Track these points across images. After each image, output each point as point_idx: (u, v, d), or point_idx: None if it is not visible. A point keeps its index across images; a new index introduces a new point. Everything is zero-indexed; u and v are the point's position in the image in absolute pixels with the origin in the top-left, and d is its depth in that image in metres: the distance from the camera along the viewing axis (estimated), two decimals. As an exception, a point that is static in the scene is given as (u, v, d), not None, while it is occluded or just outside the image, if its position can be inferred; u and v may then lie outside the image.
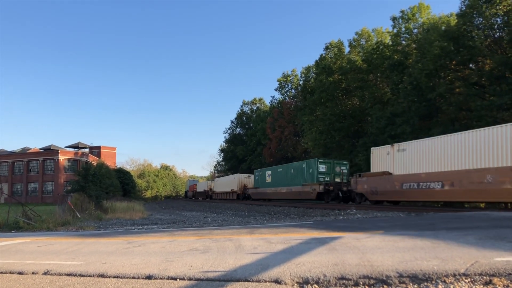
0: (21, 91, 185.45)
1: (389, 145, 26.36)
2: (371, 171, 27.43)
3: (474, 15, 30.29)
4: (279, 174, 42.41)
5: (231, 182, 57.83)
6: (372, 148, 28.44)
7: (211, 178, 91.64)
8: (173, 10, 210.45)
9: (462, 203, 23.88)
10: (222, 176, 79.77)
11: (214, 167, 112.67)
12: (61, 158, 73.69)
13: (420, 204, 26.01)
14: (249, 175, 56.87)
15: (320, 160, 35.61)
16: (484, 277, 4.89)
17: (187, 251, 7.81)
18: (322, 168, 35.12)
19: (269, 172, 45.12)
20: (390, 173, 25.07)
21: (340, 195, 31.87)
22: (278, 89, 76.73)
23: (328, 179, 34.52)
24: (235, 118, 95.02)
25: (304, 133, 54.91)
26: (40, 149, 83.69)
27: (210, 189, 70.56)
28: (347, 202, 30.69)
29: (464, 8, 31.22)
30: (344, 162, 36.35)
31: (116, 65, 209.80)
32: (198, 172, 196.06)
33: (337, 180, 34.34)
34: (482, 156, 19.52)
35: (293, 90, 74.09)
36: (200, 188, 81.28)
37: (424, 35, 35.63)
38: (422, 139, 23.99)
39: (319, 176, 34.76)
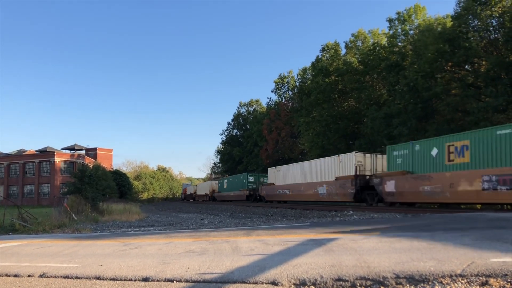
0: (17, 93, 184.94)
1: (275, 167, 43.14)
2: (268, 182, 44.62)
3: (470, 17, 30.42)
4: (230, 182, 59.70)
5: (207, 187, 74.50)
6: (269, 168, 44.94)
7: (195, 184, 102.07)
8: (170, 11, 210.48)
9: (297, 202, 36.68)
10: (205, 181, 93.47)
11: (211, 168, 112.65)
12: (57, 160, 73.48)
13: (417, 205, 26.09)
14: (217, 181, 71.97)
15: (249, 174, 53.15)
16: (481, 278, 4.90)
17: (184, 253, 7.79)
18: (251, 179, 51.56)
19: (225, 180, 63.22)
20: (274, 184, 41.82)
21: (258, 197, 47.64)
22: (275, 90, 76.80)
23: (254, 186, 50.31)
24: (232, 120, 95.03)
25: (300, 135, 54.94)
26: (36, 151, 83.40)
27: (195, 192, 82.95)
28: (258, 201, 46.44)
29: (459, 11, 31.35)
30: (266, 175, 47.60)
31: (112, 66, 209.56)
32: (195, 174, 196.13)
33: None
34: (313, 175, 33.45)
35: (289, 92, 74.18)
36: (188, 191, 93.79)
37: (419, 36, 35.74)
38: (288, 165, 41.77)
39: (248, 184, 51.13)
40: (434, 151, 21.42)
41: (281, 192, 39.55)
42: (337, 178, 29.45)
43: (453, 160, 20.09)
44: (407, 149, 23.37)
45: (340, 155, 30.53)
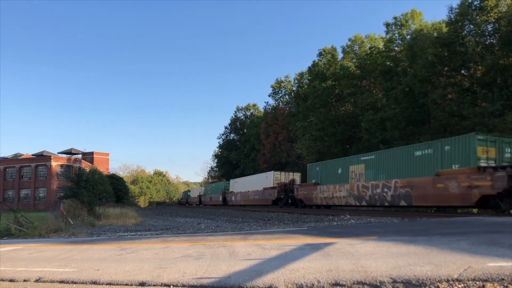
0: (14, 97, 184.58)
1: (234, 179, 54.34)
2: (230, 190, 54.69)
3: (466, 22, 30.58)
4: (212, 188, 66.02)
5: (196, 191, 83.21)
6: (230, 180, 56.11)
7: (191, 188, 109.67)
8: (167, 16, 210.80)
9: (245, 205, 45.21)
10: (196, 187, 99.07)
11: (208, 172, 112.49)
12: (54, 164, 73.25)
13: (413, 210, 26.29)
14: (202, 187, 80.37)
15: (226, 181, 60.26)
16: (477, 282, 4.90)
17: (181, 258, 7.77)
18: (228, 186, 57.91)
19: (209, 187, 69.64)
20: (232, 191, 51.78)
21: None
22: (272, 95, 76.90)
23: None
24: (229, 124, 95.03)
25: (297, 139, 54.98)
26: (33, 155, 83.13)
27: (200, 195, 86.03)
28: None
29: (453, 17, 31.52)
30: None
31: (109, 71, 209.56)
32: (191, 178, 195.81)
33: None
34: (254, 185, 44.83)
35: (286, 96, 74.28)
36: (180, 197, 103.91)
37: (411, 41, 35.90)
38: (241, 177, 53.23)
39: (225, 190, 57.82)
40: (339, 170, 29.22)
41: (235, 198, 51.38)
42: (264, 188, 42.15)
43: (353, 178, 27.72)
44: (318, 167, 32.25)
45: (266, 172, 45.07)
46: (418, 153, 22.62)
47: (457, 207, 22.37)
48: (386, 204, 24.64)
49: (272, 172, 42.14)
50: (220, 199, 58.87)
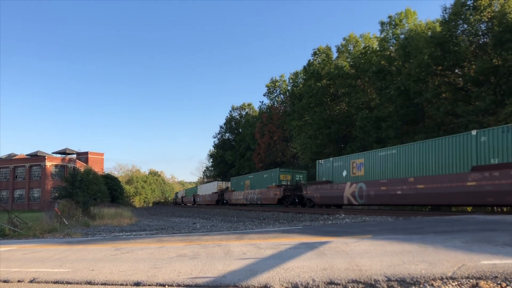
0: (7, 97, 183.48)
1: (235, 177, 53.64)
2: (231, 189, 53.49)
3: (459, 22, 30.72)
4: (206, 187, 66.93)
5: (191, 191, 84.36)
6: (231, 178, 55.61)
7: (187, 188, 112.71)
8: (163, 15, 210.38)
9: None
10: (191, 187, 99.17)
11: (203, 172, 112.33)
12: (48, 164, 72.93)
13: (408, 208, 26.39)
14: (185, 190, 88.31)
15: (218, 181, 61.07)
16: (471, 280, 4.94)
17: (176, 257, 7.77)
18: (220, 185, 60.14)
19: (202, 186, 72.44)
20: (234, 190, 50.06)
21: (224, 201, 54.44)
22: (267, 94, 76.90)
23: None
24: (224, 123, 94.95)
25: (293, 138, 55.00)
26: (27, 155, 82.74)
27: (182, 197, 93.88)
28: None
29: (447, 16, 31.66)
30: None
31: (103, 71, 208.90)
32: (187, 178, 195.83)
33: None
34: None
35: (281, 96, 74.32)
36: (179, 195, 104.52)
37: (404, 41, 36.03)
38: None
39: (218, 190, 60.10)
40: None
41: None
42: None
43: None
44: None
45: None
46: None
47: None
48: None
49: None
50: (217, 197, 58.76)
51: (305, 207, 32.80)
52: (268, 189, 39.91)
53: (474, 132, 19.32)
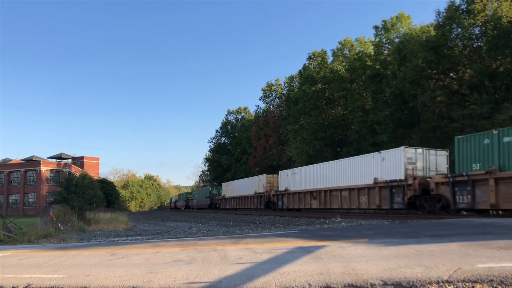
0: (1, 101, 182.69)
1: (226, 183, 55.82)
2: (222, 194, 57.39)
3: (453, 26, 30.90)
4: (200, 192, 72.54)
5: (184, 196, 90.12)
6: (223, 183, 56.91)
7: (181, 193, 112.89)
8: (157, 19, 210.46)
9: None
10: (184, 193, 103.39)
11: (199, 176, 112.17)
12: (43, 169, 72.53)
13: (403, 212, 26.36)
14: (191, 192, 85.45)
15: (211, 187, 64.72)
16: (467, 284, 4.95)
17: (172, 262, 7.74)
18: (214, 191, 63.68)
19: (197, 191, 74.22)
20: (225, 195, 53.72)
21: (216, 205, 60.11)
22: (263, 98, 76.95)
23: (215, 196, 62.09)
24: (220, 127, 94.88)
25: (288, 142, 55.03)
26: (22, 160, 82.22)
27: (176, 201, 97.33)
28: None
29: (441, 21, 31.84)
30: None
31: (98, 75, 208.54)
32: (183, 182, 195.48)
33: None
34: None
35: (277, 99, 74.41)
36: (173, 200, 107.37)
37: (399, 45, 36.18)
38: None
39: (212, 194, 63.71)
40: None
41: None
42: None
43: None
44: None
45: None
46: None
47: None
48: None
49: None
50: (209, 201, 63.95)
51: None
52: (205, 199, 46.48)
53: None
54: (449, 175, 20.24)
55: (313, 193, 31.72)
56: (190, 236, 15.02)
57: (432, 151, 23.87)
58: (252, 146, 70.09)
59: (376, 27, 42.43)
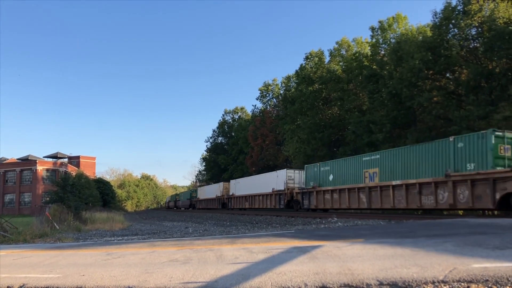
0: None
1: (201, 186, 63.66)
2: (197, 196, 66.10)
3: (450, 26, 30.98)
4: (185, 194, 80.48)
5: (171, 197, 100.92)
6: (198, 188, 59.61)
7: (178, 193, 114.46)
8: (152, 19, 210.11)
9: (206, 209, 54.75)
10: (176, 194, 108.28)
11: (196, 176, 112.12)
12: (39, 168, 72.33)
13: (400, 212, 26.29)
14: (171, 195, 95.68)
15: (192, 190, 72.03)
16: (462, 284, 4.96)
17: (168, 262, 7.72)
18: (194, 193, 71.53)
19: (183, 193, 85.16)
20: (199, 198, 58.98)
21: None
22: (260, 98, 76.95)
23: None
24: (217, 127, 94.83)
25: (285, 142, 55.06)
26: (18, 159, 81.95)
27: (168, 201, 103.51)
28: None
29: (437, 21, 31.92)
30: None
31: (94, 74, 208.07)
32: (179, 182, 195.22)
33: None
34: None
35: (274, 99, 74.42)
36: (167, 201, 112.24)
37: (396, 45, 36.24)
38: (207, 186, 63.59)
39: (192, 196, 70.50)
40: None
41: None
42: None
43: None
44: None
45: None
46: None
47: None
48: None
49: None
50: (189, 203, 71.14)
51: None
52: (187, 200, 43.92)
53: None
54: (300, 187, 33.62)
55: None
56: (186, 236, 15.01)
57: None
58: (249, 146, 70.07)
59: (372, 28, 42.53)
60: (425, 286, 4.96)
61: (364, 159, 26.86)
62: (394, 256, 6.68)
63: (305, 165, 34.81)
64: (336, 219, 19.90)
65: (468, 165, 18.78)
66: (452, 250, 6.97)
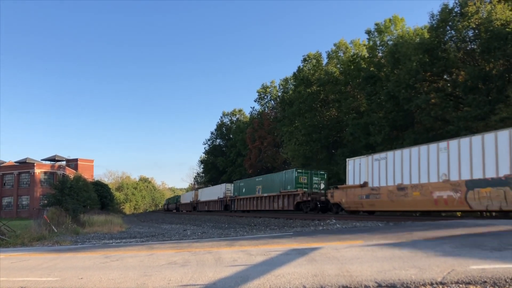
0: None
1: (198, 189, 58.61)
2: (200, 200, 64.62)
3: (447, 28, 31.07)
4: (183, 197, 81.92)
5: (173, 200, 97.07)
6: (189, 192, 69.08)
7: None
8: (150, 20, 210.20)
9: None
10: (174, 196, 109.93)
11: (194, 178, 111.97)
12: (37, 171, 72.17)
13: (398, 214, 26.23)
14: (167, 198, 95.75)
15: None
16: (461, 285, 4.97)
17: (166, 265, 7.72)
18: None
19: (181, 196, 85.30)
20: (200, 200, 61.68)
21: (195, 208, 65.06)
22: (258, 100, 76.95)
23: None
24: (215, 129, 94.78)
25: (283, 144, 55.08)
26: (15, 162, 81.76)
27: (168, 204, 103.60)
28: None
29: (435, 23, 32.01)
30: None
31: (92, 76, 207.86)
32: (177, 184, 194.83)
33: None
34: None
35: (272, 101, 74.46)
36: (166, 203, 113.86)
37: (393, 48, 36.32)
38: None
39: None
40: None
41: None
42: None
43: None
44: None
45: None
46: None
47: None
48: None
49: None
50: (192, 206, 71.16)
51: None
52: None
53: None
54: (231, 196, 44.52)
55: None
56: (184, 239, 14.99)
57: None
58: (247, 148, 70.04)
59: (368, 31, 42.66)
60: (424, 288, 4.97)
61: (256, 179, 42.94)
62: (393, 258, 6.69)
63: (234, 181, 48.89)
64: (334, 220, 19.88)
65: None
66: (450, 251, 6.98)
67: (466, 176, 18.21)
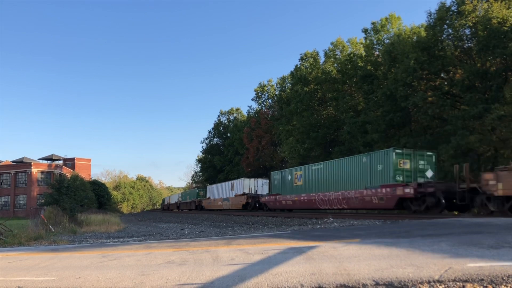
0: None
1: (210, 185, 59.80)
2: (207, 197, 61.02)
3: (444, 27, 31.09)
4: (186, 194, 76.09)
5: (174, 198, 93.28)
6: (208, 186, 62.01)
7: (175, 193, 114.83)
8: (146, 19, 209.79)
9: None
10: (174, 194, 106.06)
11: (192, 177, 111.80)
12: (34, 170, 72.00)
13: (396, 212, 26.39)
14: (181, 194, 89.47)
15: (199, 188, 69.13)
16: (458, 283, 4.98)
17: (164, 264, 7.71)
18: (201, 192, 65.88)
19: (182, 193, 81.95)
20: (209, 197, 57.25)
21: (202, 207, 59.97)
22: (255, 99, 76.87)
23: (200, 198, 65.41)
24: (213, 128, 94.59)
25: (281, 143, 55.01)
26: (12, 161, 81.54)
27: (168, 203, 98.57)
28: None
29: (432, 22, 32.03)
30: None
31: (89, 75, 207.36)
32: (175, 183, 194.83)
33: None
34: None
35: (269, 100, 74.37)
36: (165, 202, 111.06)
37: (389, 46, 36.31)
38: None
39: (198, 196, 66.29)
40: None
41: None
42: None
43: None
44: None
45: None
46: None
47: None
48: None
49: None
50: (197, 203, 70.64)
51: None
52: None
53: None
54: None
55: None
56: (182, 238, 14.99)
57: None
58: (244, 147, 69.97)
59: (365, 30, 42.63)
60: (421, 286, 4.98)
61: (233, 183, 48.37)
62: (390, 256, 6.70)
63: (207, 186, 57.32)
64: (332, 219, 19.90)
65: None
66: (447, 249, 7.00)
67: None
